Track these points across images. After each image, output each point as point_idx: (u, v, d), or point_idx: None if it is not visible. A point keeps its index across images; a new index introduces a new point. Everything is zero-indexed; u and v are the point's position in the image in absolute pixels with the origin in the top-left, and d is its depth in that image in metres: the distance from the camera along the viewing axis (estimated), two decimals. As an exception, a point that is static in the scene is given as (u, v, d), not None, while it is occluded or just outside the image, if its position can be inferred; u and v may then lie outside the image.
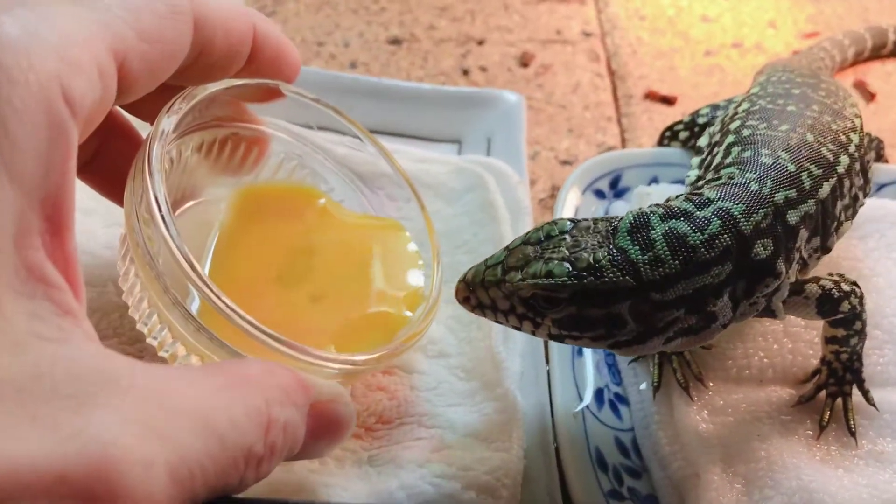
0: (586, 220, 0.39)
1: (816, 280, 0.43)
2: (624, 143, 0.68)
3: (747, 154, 0.44)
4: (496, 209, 0.53)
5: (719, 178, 0.42)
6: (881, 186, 0.59)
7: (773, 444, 0.43)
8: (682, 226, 0.38)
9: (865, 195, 0.50)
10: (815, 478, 0.42)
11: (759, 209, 0.39)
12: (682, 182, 0.57)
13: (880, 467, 0.43)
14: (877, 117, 0.73)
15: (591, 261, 0.37)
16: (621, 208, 0.56)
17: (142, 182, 0.34)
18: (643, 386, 0.47)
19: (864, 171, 0.49)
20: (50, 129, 0.26)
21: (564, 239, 0.38)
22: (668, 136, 0.62)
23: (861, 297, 0.44)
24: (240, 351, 0.35)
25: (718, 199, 0.39)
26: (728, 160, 0.44)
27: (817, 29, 0.82)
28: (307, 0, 0.77)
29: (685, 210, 0.39)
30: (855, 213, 0.48)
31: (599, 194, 0.57)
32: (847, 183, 0.46)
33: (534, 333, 0.39)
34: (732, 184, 0.41)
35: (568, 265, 0.37)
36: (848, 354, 0.45)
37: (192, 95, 0.38)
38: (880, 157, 0.61)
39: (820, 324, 0.45)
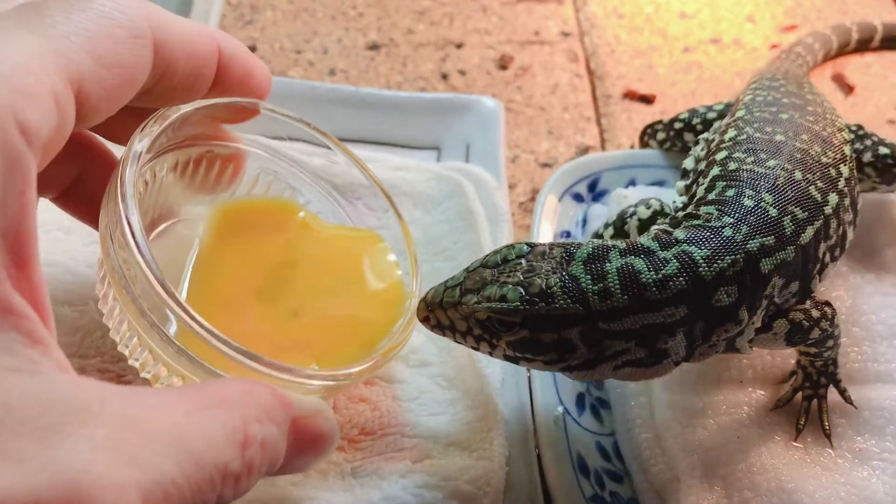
0: (543, 244, 0.40)
1: (785, 313, 0.42)
2: (603, 143, 0.69)
3: (730, 193, 0.43)
4: (475, 216, 0.53)
5: (698, 217, 0.42)
6: (858, 182, 0.59)
7: (752, 446, 0.43)
8: (638, 263, 0.38)
9: (854, 228, 0.48)
10: (793, 478, 0.42)
11: (725, 256, 0.39)
12: (659, 184, 0.58)
13: (858, 465, 0.44)
14: (855, 110, 0.73)
15: (544, 286, 0.37)
16: (600, 211, 0.56)
17: (115, 206, 0.34)
18: (624, 390, 0.48)
19: (854, 204, 0.48)
20: (5, 161, 0.25)
21: (520, 263, 0.39)
22: (649, 133, 0.62)
23: (832, 317, 0.43)
24: (220, 371, 0.35)
25: (685, 241, 0.39)
26: (711, 196, 0.43)
27: (795, 22, 0.82)
28: (284, 7, 0.77)
29: (648, 248, 0.39)
30: (843, 251, 0.47)
31: (578, 198, 0.57)
32: (834, 223, 0.44)
33: (491, 354, 0.40)
34: (706, 227, 0.40)
35: (521, 290, 0.37)
36: (822, 361, 0.45)
37: (165, 117, 0.38)
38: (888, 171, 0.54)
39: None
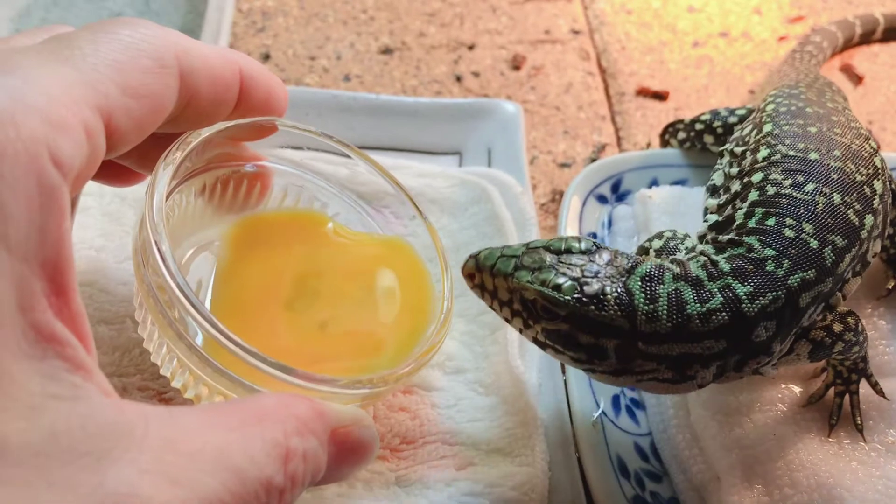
0: (609, 248, 0.40)
1: (806, 333, 0.42)
2: (619, 141, 0.69)
3: (770, 222, 0.42)
4: (502, 221, 0.53)
5: (741, 246, 0.42)
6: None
7: (789, 443, 0.44)
8: (687, 292, 0.38)
9: (882, 240, 0.47)
10: (831, 473, 0.43)
11: (768, 292, 0.39)
12: (681, 183, 0.58)
13: (892, 458, 0.45)
14: (865, 100, 0.74)
15: (600, 291, 0.38)
16: (624, 212, 0.57)
17: (145, 234, 0.35)
18: (658, 391, 0.48)
19: (885, 218, 0.46)
20: (41, 195, 0.26)
21: (583, 259, 0.39)
22: (670, 132, 0.63)
23: (855, 326, 0.43)
24: (259, 387, 0.36)
25: (730, 273, 0.39)
26: (751, 223, 0.43)
27: (802, 13, 0.82)
28: (296, 14, 0.77)
29: (697, 277, 0.39)
30: (865, 266, 0.45)
31: (602, 199, 0.58)
32: (866, 246, 0.44)
33: (521, 332, 0.40)
34: (749, 258, 0.40)
35: (577, 286, 0.38)
36: (851, 361, 0.46)
37: (187, 143, 0.38)
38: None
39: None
